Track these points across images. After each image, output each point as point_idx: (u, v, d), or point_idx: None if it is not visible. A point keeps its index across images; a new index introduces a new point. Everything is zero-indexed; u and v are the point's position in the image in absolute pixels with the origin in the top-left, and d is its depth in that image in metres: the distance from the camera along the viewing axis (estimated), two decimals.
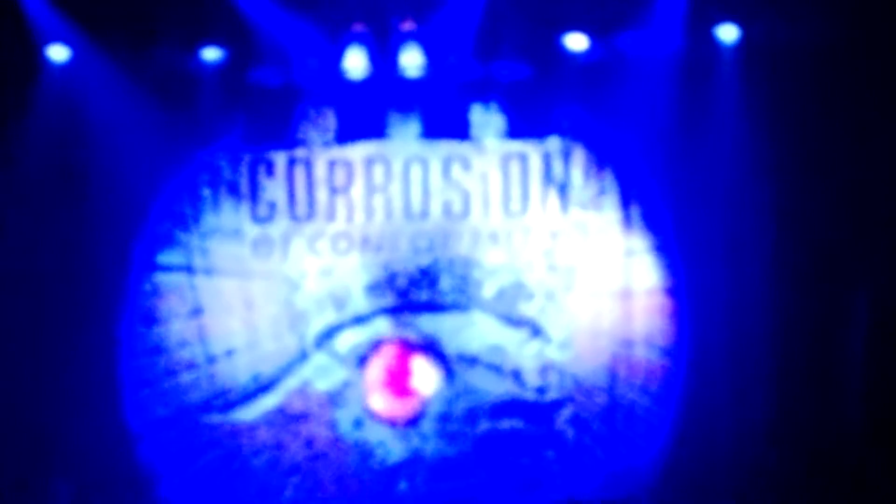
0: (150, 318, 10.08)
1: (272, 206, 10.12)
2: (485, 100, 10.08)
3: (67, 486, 9.73)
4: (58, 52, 9.87)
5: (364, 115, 10.10)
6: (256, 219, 10.12)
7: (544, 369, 10.01)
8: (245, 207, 10.12)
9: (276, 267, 10.09)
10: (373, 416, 10.03)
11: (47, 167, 9.87)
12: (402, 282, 10.08)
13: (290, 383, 10.04)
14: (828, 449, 9.61)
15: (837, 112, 9.59)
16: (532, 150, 10.10)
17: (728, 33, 9.78)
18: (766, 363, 9.78)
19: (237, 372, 10.03)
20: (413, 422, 10.02)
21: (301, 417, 10.03)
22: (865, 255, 9.66)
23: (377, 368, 10.06)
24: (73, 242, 9.92)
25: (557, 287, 10.02)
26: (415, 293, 10.07)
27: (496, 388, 10.02)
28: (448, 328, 10.04)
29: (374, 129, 10.12)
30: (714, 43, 9.82)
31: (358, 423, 10.02)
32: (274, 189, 10.12)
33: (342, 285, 10.10)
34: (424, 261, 10.09)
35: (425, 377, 10.03)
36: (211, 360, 10.04)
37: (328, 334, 10.08)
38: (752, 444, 9.74)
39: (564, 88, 9.96)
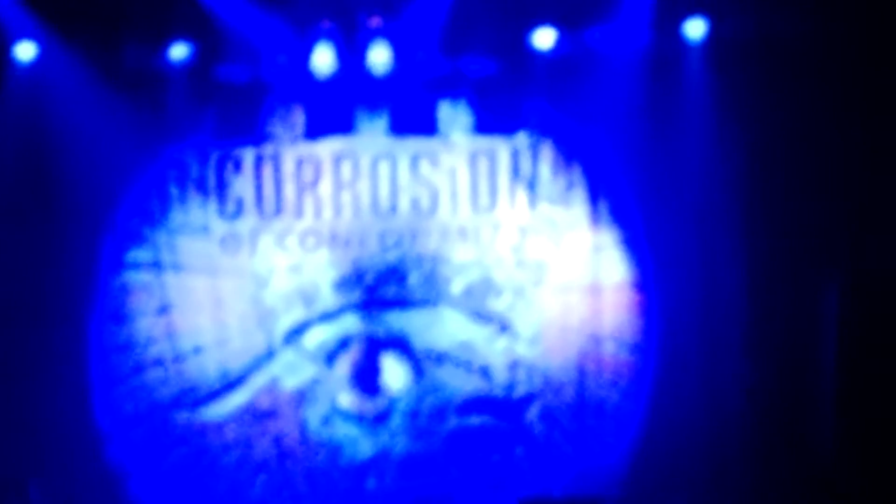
0: (119, 316, 10.07)
1: (240, 202, 10.11)
2: (453, 96, 10.06)
3: (37, 483, 9.70)
4: (25, 50, 9.85)
5: (332, 112, 10.08)
6: (224, 215, 10.10)
7: (513, 365, 10.00)
8: (213, 204, 10.10)
9: (244, 264, 10.07)
10: (341, 413, 10.02)
11: (14, 166, 9.85)
12: (370, 278, 10.07)
13: (259, 381, 10.02)
14: (800, 443, 9.59)
15: (806, 106, 9.57)
16: (500, 146, 10.08)
17: (696, 28, 9.76)
18: (736, 357, 9.75)
19: (205, 369, 10.01)
20: (381, 419, 10.01)
21: (269, 415, 10.02)
22: (837, 249, 9.64)
23: (345, 365, 10.04)
24: (42, 240, 9.90)
25: (526, 283, 10.01)
26: (383, 290, 10.06)
27: (465, 384, 10.00)
28: (416, 325, 10.02)
29: (342, 125, 10.10)
30: (682, 38, 9.80)
31: (326, 421, 10.01)
32: (241, 186, 10.10)
33: (310, 282, 10.08)
34: (393, 257, 10.08)
35: (394, 374, 10.02)
36: (179, 357, 10.03)
37: (296, 331, 10.06)
38: (723, 440, 9.71)
39: (532, 84, 9.93)
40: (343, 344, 10.05)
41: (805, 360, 9.69)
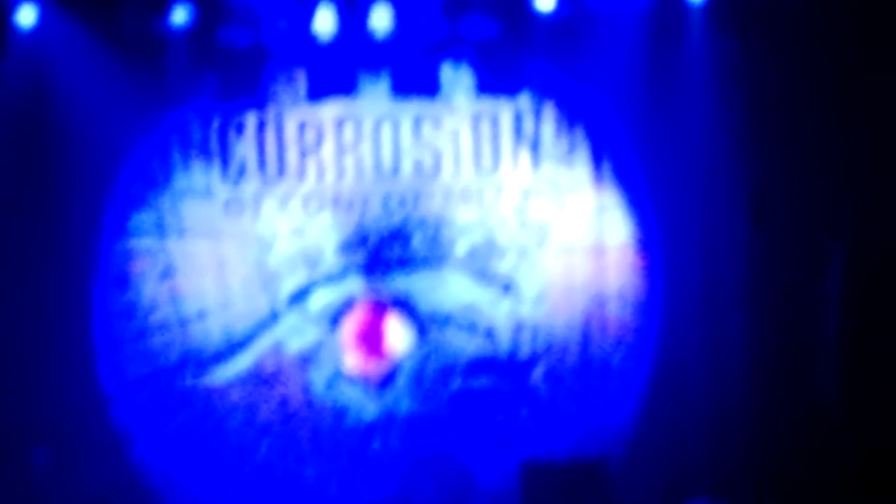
0: (123, 280, 10.08)
1: (242, 166, 10.11)
2: (454, 58, 10.06)
3: (43, 448, 9.72)
4: (25, 16, 9.83)
5: (334, 75, 10.07)
6: (227, 179, 10.11)
7: (517, 327, 10.00)
8: (215, 168, 10.11)
9: (247, 227, 10.08)
10: (346, 375, 10.03)
11: (17, 132, 9.86)
12: (373, 241, 10.07)
13: (263, 344, 10.03)
14: (802, 400, 9.60)
15: (807, 68, 9.58)
16: (502, 108, 10.07)
17: None
18: (739, 317, 9.76)
19: (210, 333, 10.03)
20: (386, 381, 10.02)
21: (274, 378, 10.03)
22: (840, 209, 9.65)
23: (350, 328, 10.05)
24: (45, 206, 9.92)
25: (530, 244, 10.02)
26: (387, 252, 10.07)
27: (469, 346, 10.01)
28: (420, 287, 10.03)
29: (344, 88, 10.09)
30: None
31: (331, 383, 10.02)
32: (244, 149, 10.11)
33: (314, 245, 10.09)
34: (396, 219, 10.08)
35: (398, 336, 10.02)
36: (183, 321, 10.04)
37: (300, 294, 10.07)
38: (726, 399, 9.72)
39: (534, 45, 9.93)
40: (347, 306, 10.05)
41: (809, 318, 9.69)
